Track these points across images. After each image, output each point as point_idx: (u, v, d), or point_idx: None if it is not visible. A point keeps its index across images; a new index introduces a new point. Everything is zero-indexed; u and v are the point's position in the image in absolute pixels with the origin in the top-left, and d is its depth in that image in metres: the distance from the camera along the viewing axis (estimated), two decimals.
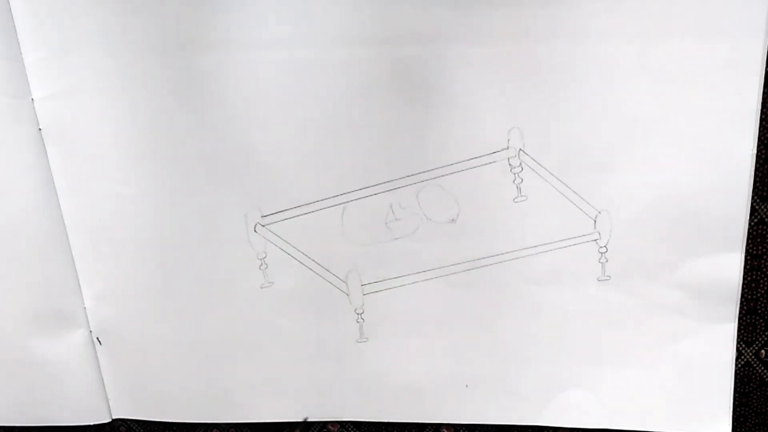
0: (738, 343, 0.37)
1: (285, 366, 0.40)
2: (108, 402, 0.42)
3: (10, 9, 0.35)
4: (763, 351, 0.38)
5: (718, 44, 0.33)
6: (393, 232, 0.38)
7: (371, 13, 0.34)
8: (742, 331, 0.38)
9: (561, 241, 0.36)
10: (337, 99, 0.35)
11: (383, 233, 0.38)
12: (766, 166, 0.35)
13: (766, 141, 0.34)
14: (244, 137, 0.36)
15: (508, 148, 0.36)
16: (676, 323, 0.37)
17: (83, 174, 0.38)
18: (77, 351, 0.41)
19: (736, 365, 0.38)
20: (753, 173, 0.35)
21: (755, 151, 0.34)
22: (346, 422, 0.41)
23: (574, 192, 0.36)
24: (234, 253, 0.38)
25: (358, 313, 0.39)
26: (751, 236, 0.36)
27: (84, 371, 0.41)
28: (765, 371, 0.39)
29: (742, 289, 0.36)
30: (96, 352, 0.41)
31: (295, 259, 0.38)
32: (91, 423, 0.43)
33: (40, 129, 0.37)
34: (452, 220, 0.37)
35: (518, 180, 0.36)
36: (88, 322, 0.41)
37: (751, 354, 0.38)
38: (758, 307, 0.37)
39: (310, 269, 0.38)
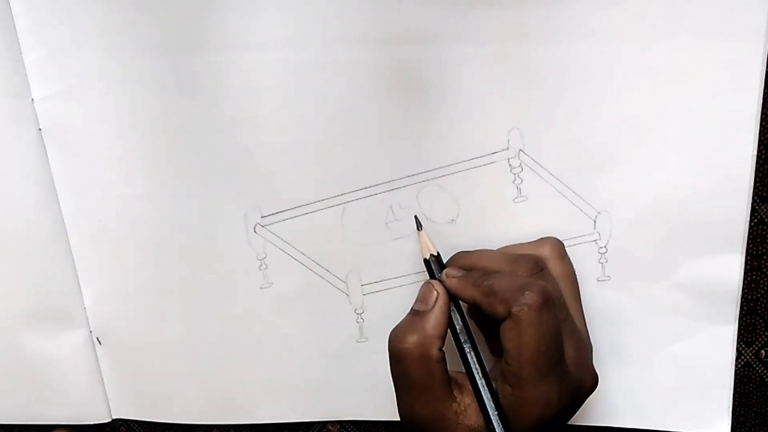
0: (738, 343, 0.37)
1: (285, 366, 0.40)
2: (108, 402, 0.42)
3: (10, 9, 0.35)
4: (763, 351, 0.38)
5: (718, 44, 0.33)
6: (393, 233, 0.38)
7: (371, 13, 0.34)
8: (742, 332, 0.38)
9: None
10: (337, 99, 0.35)
11: (383, 233, 0.38)
12: (766, 166, 0.35)
13: (766, 141, 0.34)
14: (244, 137, 0.36)
15: (508, 148, 0.36)
16: (675, 324, 0.37)
17: (83, 174, 0.38)
18: (77, 351, 0.41)
19: (736, 365, 0.38)
20: (753, 174, 0.35)
21: (756, 152, 0.34)
22: (346, 422, 0.41)
23: (574, 192, 0.36)
24: (234, 253, 0.38)
25: (358, 313, 0.39)
26: (751, 236, 0.36)
27: (84, 371, 0.41)
28: (765, 371, 0.39)
29: (742, 289, 0.36)
30: (96, 352, 0.41)
31: (295, 259, 0.38)
32: (91, 423, 0.43)
33: (40, 129, 0.37)
34: (452, 220, 0.37)
35: (518, 180, 0.36)
36: (88, 322, 0.41)
37: (751, 354, 0.38)
38: (758, 308, 0.37)
39: (310, 269, 0.38)
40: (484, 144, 0.36)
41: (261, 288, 0.39)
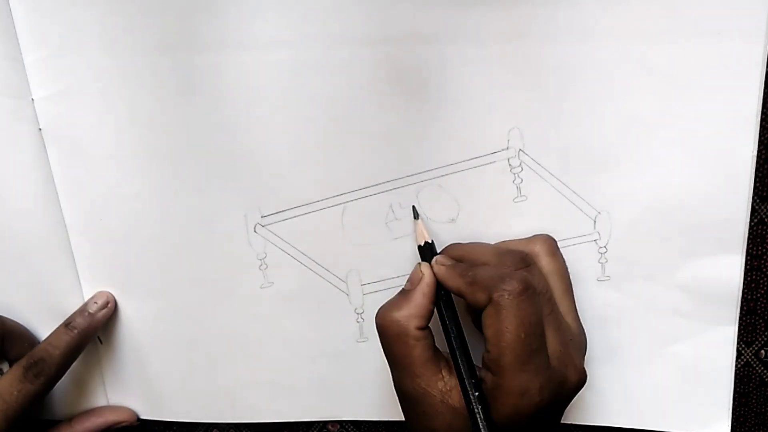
0: (738, 343, 0.37)
1: (285, 366, 0.40)
2: (108, 402, 0.42)
3: (10, 9, 0.35)
4: (763, 351, 0.38)
5: (718, 45, 0.33)
6: (393, 232, 0.38)
7: (371, 13, 0.34)
8: (742, 332, 0.38)
9: (561, 241, 0.36)
10: (337, 99, 0.35)
11: (383, 233, 0.38)
12: (766, 166, 0.35)
13: (766, 141, 0.34)
14: (244, 137, 0.36)
15: (508, 148, 0.36)
16: (675, 324, 0.37)
17: (83, 174, 0.38)
18: None
19: (736, 365, 0.38)
20: (753, 174, 0.35)
21: (756, 152, 0.34)
22: (346, 422, 0.41)
23: (574, 192, 0.36)
24: (234, 253, 0.38)
25: (358, 313, 0.39)
26: (751, 236, 0.36)
27: (84, 371, 0.41)
28: (765, 371, 0.39)
29: (742, 289, 0.36)
30: (96, 352, 0.41)
31: (295, 259, 0.38)
32: None
33: (40, 129, 0.37)
34: (452, 219, 0.37)
35: (518, 180, 0.36)
36: None
37: (750, 354, 0.38)
38: (758, 308, 0.37)
39: (310, 269, 0.38)
40: (484, 144, 0.36)
41: (261, 288, 0.39)
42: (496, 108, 0.35)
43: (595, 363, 0.38)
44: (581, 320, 0.35)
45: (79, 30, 0.36)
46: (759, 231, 0.36)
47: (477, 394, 0.31)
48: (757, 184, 0.35)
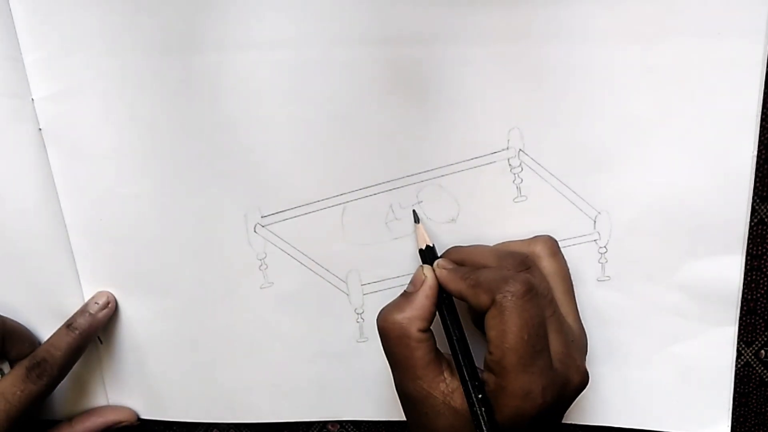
0: (738, 343, 0.37)
1: (285, 366, 0.40)
2: (108, 402, 0.42)
3: (10, 9, 0.35)
4: (763, 351, 0.38)
5: (718, 44, 0.33)
6: (393, 232, 0.38)
7: (371, 13, 0.34)
8: (742, 332, 0.38)
9: (561, 241, 0.36)
10: (337, 99, 0.35)
11: (383, 233, 0.38)
12: (766, 166, 0.35)
13: (766, 141, 0.34)
14: (244, 137, 0.36)
15: (508, 148, 0.36)
16: (675, 324, 0.37)
17: (83, 174, 0.38)
18: None
19: (736, 365, 0.38)
20: (753, 174, 0.35)
21: (756, 152, 0.34)
22: (346, 422, 0.41)
23: (574, 192, 0.36)
24: (234, 253, 0.38)
25: (358, 313, 0.39)
26: (751, 236, 0.36)
27: (84, 371, 0.42)
28: (765, 371, 0.39)
29: (742, 289, 0.36)
30: (96, 352, 0.41)
31: (295, 259, 0.38)
32: None
33: (40, 129, 0.37)
34: (452, 219, 0.37)
35: (518, 180, 0.36)
36: None
37: (750, 354, 0.38)
38: (758, 308, 0.37)
39: (310, 269, 0.38)
40: (484, 144, 0.36)
41: (261, 288, 0.39)
42: (496, 108, 0.35)
43: (594, 363, 0.38)
44: (582, 320, 0.35)
45: (79, 30, 0.36)
46: (759, 231, 0.36)
47: (480, 396, 0.31)
48: (757, 184, 0.35)
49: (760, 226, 0.36)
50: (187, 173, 0.37)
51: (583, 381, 0.33)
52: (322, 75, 0.35)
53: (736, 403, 0.39)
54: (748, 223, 0.35)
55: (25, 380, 0.37)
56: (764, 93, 0.33)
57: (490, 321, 0.31)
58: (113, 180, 0.38)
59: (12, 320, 0.39)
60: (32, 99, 0.37)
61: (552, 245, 0.35)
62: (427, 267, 0.34)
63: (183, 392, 0.41)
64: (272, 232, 0.38)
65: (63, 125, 0.37)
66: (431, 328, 0.33)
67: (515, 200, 0.36)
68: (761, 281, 0.37)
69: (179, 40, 0.35)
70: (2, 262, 0.39)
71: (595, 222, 0.36)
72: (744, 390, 0.39)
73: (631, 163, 0.35)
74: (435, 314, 0.33)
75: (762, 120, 0.34)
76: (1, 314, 0.39)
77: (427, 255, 0.36)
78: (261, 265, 0.38)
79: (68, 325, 0.38)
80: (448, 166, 0.36)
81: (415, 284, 0.34)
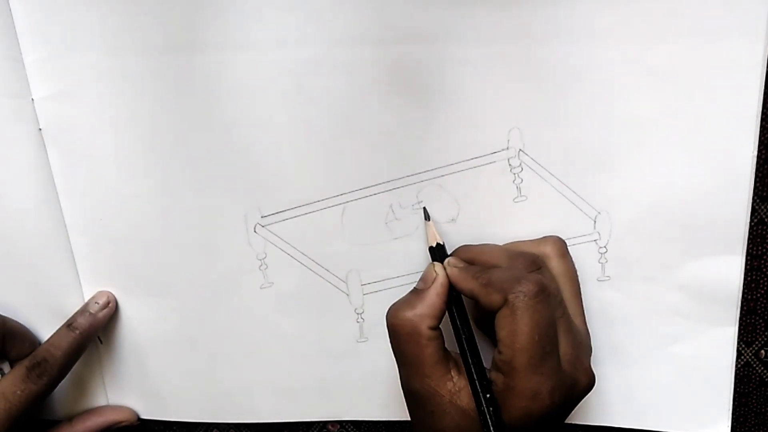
0: (738, 343, 0.37)
1: (285, 366, 0.40)
2: (108, 402, 0.42)
3: (10, 9, 0.35)
4: (763, 351, 0.38)
5: (718, 45, 0.33)
6: (393, 232, 0.38)
7: (371, 13, 0.34)
8: (742, 332, 0.38)
9: None
10: (337, 99, 0.35)
11: (383, 233, 0.38)
12: (766, 166, 0.35)
13: (766, 142, 0.34)
14: (244, 137, 0.36)
15: (508, 148, 0.36)
16: (675, 325, 0.37)
17: (83, 174, 0.38)
18: None
19: (736, 365, 0.38)
20: (753, 174, 0.35)
21: (756, 153, 0.34)
22: (346, 422, 0.41)
23: (574, 192, 0.36)
24: (234, 253, 0.38)
25: (358, 313, 0.39)
26: (751, 236, 0.36)
27: (84, 371, 0.42)
28: (765, 371, 0.39)
29: (742, 289, 0.36)
30: (96, 352, 0.41)
31: (295, 259, 0.38)
32: None
33: (40, 129, 0.37)
34: (452, 219, 0.37)
35: (518, 180, 0.36)
36: None
37: (751, 354, 0.38)
38: (758, 308, 0.37)
39: (310, 269, 0.38)
40: (484, 144, 0.36)
41: (261, 288, 0.39)
42: (496, 108, 0.35)
43: (594, 363, 0.37)
44: None
45: (79, 30, 0.36)
46: (759, 231, 0.36)
47: (488, 396, 0.31)
48: (757, 184, 0.35)
49: (760, 226, 0.36)
50: (187, 173, 0.37)
51: (590, 382, 0.33)
52: (322, 75, 0.35)
53: (736, 403, 0.39)
54: (748, 223, 0.35)
55: (26, 380, 0.37)
56: (764, 93, 0.33)
57: (501, 320, 0.30)
58: (113, 180, 0.38)
59: (12, 320, 0.39)
60: (32, 99, 0.37)
61: (561, 246, 0.35)
62: (438, 264, 0.34)
63: (183, 392, 0.41)
64: (272, 232, 0.38)
65: (63, 125, 0.37)
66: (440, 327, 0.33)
67: (515, 200, 0.36)
68: (761, 281, 0.37)
69: (179, 40, 0.35)
70: (2, 262, 0.39)
71: (595, 222, 0.36)
72: (744, 390, 0.39)
73: (631, 163, 0.35)
74: (445, 312, 0.33)
75: (762, 120, 0.34)
76: (1, 314, 0.39)
77: (437, 253, 0.35)
78: (261, 265, 0.38)
79: (68, 324, 0.38)
80: (448, 166, 0.36)
81: (426, 281, 0.34)
